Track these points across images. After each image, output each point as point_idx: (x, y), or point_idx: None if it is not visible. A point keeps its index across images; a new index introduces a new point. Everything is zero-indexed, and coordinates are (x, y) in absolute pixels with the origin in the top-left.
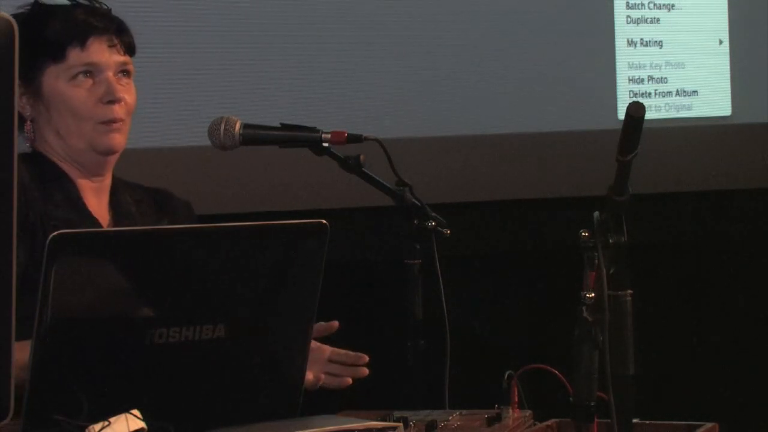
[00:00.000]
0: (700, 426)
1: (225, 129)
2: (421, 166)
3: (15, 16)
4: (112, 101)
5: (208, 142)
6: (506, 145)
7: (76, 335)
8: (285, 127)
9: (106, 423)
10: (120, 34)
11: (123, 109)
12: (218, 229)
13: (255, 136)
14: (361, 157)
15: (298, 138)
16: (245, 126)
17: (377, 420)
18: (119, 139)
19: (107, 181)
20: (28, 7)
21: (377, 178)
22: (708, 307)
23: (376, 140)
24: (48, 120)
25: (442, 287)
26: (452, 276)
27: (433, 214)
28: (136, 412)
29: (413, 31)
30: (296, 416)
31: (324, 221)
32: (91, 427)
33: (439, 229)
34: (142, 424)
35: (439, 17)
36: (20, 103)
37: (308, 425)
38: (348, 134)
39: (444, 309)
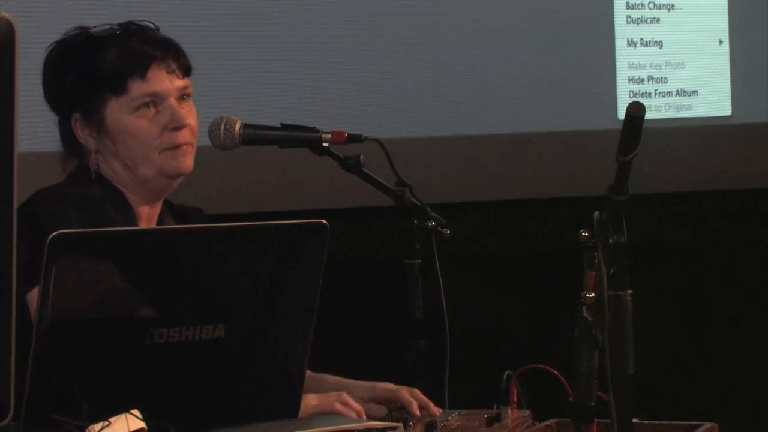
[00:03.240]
0: (700, 426)
1: (225, 129)
2: (421, 166)
3: (62, 42)
4: (178, 128)
5: (208, 142)
6: (506, 145)
7: (76, 335)
8: (285, 127)
9: (106, 423)
10: (177, 58)
11: (189, 133)
12: (218, 229)
13: (255, 136)
14: (361, 157)
15: (298, 138)
16: (245, 126)
17: (377, 420)
18: (188, 162)
19: (159, 205)
20: (75, 33)
21: (377, 178)
22: (708, 307)
23: (376, 140)
24: (114, 152)
25: (442, 287)
26: (452, 276)
27: (433, 214)
28: (136, 412)
29: (413, 31)
30: (296, 416)
31: (324, 221)
32: (91, 427)
33: (439, 229)
34: (142, 424)
35: (439, 17)
36: (83, 136)
37: (308, 425)
38: (348, 134)
39: (444, 309)
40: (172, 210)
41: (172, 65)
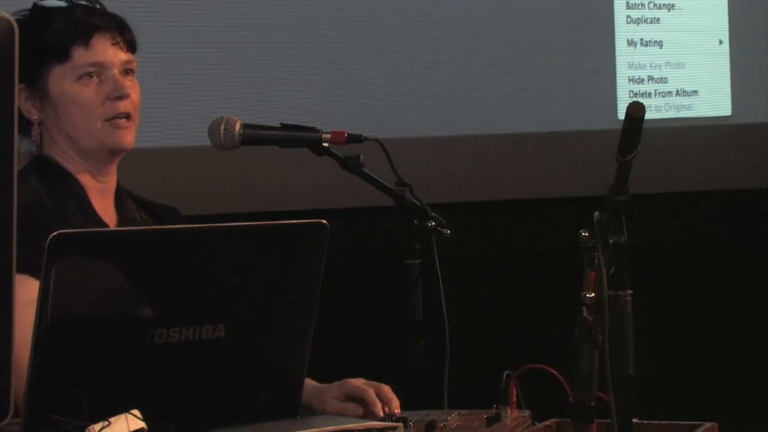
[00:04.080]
0: (700, 426)
1: (225, 129)
2: (421, 166)
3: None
4: (120, 97)
5: (208, 142)
6: (506, 145)
7: (76, 335)
8: (285, 127)
9: (106, 423)
10: (122, 31)
11: (131, 105)
12: (218, 229)
13: (255, 136)
14: (361, 157)
15: (298, 138)
16: (245, 126)
17: (377, 420)
18: (129, 137)
19: (112, 182)
20: (26, 12)
21: (377, 178)
22: (708, 307)
23: (376, 140)
24: (56, 122)
25: (441, 287)
26: (452, 276)
27: (433, 214)
28: (136, 412)
29: (413, 32)
30: (296, 416)
31: (324, 221)
32: (91, 427)
33: (439, 229)
34: (142, 424)
35: (440, 18)
36: (26, 107)
37: (308, 425)
38: (348, 134)
39: (444, 309)
40: (138, 201)
41: (116, 37)
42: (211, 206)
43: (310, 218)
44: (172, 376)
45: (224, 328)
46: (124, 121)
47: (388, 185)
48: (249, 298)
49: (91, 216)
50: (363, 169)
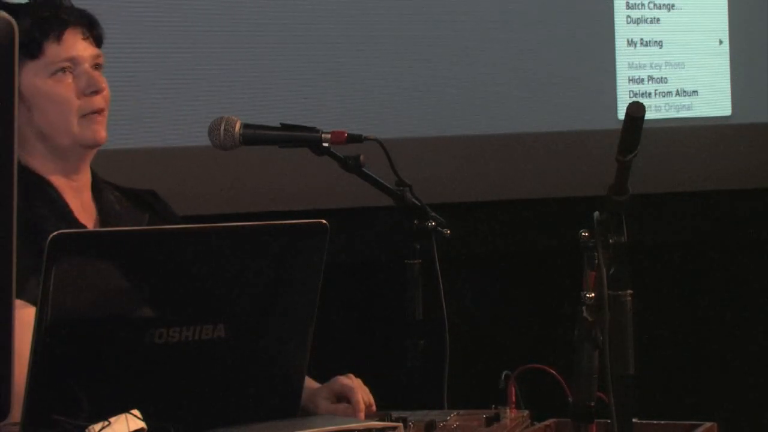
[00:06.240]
0: (699, 426)
1: (225, 129)
2: (421, 166)
3: None
4: (96, 92)
5: (208, 142)
6: (506, 145)
7: (76, 335)
8: (285, 127)
9: (106, 423)
10: (91, 27)
11: (104, 100)
12: (218, 229)
13: (255, 136)
14: (361, 157)
15: (298, 138)
16: (245, 126)
17: (376, 420)
18: (103, 132)
19: (86, 179)
20: None
21: (377, 178)
22: (708, 307)
23: (376, 140)
24: (29, 120)
25: (441, 287)
26: (452, 276)
27: (433, 214)
28: (136, 412)
29: (413, 31)
30: (296, 416)
31: (324, 221)
32: (91, 427)
33: (439, 229)
34: (142, 424)
35: (440, 17)
36: None
37: (308, 425)
38: (348, 134)
39: (443, 309)
40: (118, 191)
41: (87, 32)
42: (211, 206)
43: (310, 218)
44: (172, 376)
45: (224, 328)
46: (98, 116)
47: (388, 185)
48: (249, 298)
49: (66, 218)
50: (363, 169)
